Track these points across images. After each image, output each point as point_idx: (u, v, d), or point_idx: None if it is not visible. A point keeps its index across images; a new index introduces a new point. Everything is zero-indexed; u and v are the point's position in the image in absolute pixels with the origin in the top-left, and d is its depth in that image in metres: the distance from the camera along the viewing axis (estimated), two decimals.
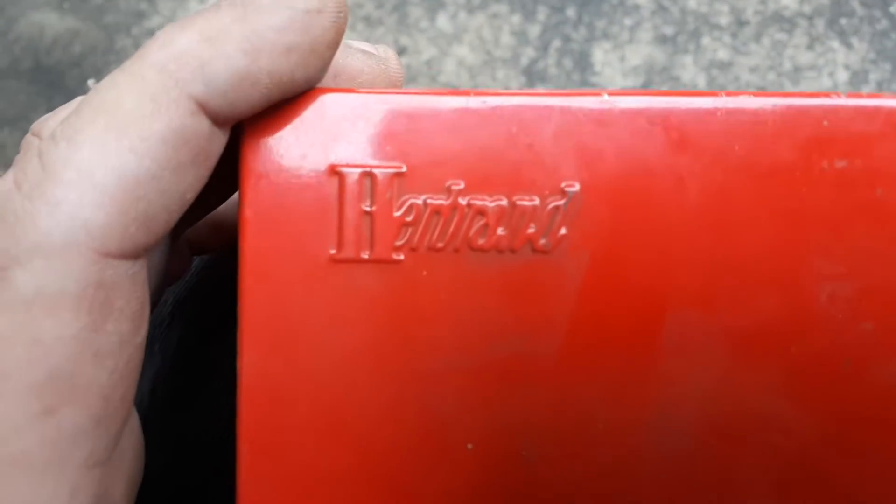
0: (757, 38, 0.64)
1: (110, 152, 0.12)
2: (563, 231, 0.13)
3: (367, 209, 0.13)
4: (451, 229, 0.13)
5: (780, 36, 0.64)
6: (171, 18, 0.61)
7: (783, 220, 0.13)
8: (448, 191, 0.13)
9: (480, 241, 0.13)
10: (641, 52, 0.66)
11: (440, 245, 0.13)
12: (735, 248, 0.13)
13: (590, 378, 0.13)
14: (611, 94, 0.13)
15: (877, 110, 0.13)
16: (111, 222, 0.12)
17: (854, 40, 0.64)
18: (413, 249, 0.13)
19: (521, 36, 0.65)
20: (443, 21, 0.65)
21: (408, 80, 0.58)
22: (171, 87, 0.12)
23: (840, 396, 0.13)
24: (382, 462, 0.13)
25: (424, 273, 0.13)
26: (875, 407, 0.13)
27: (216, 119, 0.13)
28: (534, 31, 0.66)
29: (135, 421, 0.15)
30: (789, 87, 0.60)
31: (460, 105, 0.13)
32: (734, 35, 0.64)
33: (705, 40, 0.67)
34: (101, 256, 0.12)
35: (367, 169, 0.13)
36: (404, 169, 0.13)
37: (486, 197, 0.13)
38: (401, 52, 0.66)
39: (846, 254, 0.13)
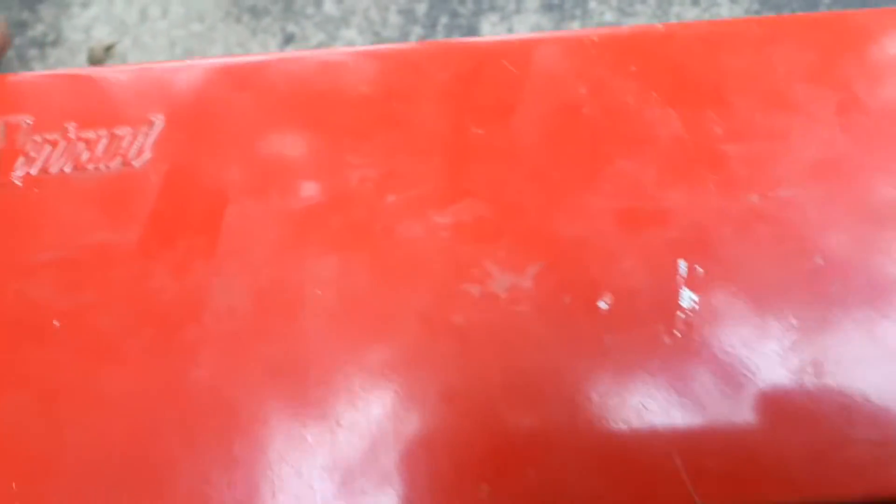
0: None
1: None
2: (147, 150, 0.18)
3: None
4: (63, 156, 0.18)
5: None
6: (55, 26, 0.65)
7: (318, 131, 0.19)
8: (63, 130, 0.19)
9: (85, 162, 0.18)
10: (529, 21, 0.71)
11: (52, 169, 0.18)
12: (284, 151, 0.19)
13: (164, 257, 0.18)
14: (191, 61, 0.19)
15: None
16: None
17: None
18: (29, 174, 0.18)
19: (408, 14, 0.70)
20: (329, 5, 0.69)
21: None
22: None
23: (381, 251, 0.18)
24: None
25: (36, 190, 0.18)
26: (408, 248, 0.18)
27: None
28: (421, 8, 0.70)
29: None
30: None
31: (76, 73, 0.19)
32: None
33: (591, 4, 0.71)
34: None
35: (2, 122, 0.19)
36: (30, 120, 0.19)
37: (92, 131, 0.18)
38: (289, 39, 0.70)
39: (369, 150, 0.18)
